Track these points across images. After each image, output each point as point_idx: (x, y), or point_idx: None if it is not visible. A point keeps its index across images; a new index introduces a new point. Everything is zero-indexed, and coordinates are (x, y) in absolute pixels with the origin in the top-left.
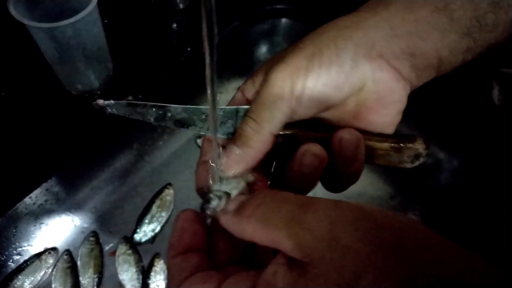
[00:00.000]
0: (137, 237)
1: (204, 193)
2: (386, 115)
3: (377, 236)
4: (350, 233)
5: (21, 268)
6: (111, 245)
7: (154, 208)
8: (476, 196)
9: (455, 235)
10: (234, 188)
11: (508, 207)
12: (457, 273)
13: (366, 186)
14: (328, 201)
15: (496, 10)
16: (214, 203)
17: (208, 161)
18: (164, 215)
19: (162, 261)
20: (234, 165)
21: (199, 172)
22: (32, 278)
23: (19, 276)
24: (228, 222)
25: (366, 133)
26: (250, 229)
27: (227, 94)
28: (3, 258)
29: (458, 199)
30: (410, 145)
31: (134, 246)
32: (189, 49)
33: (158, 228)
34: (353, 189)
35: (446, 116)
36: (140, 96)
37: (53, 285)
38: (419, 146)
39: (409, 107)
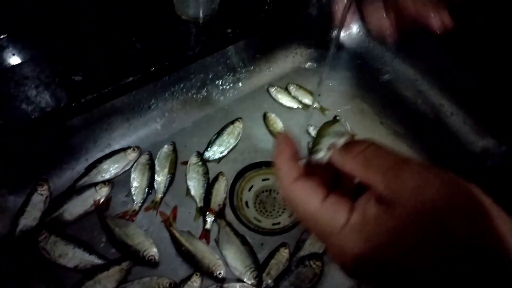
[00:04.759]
0: (207, 154)
1: None
2: None
3: (455, 200)
4: (435, 191)
5: (109, 155)
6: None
7: (224, 135)
8: None
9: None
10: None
11: None
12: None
13: None
14: (422, 164)
15: None
16: (321, 154)
17: None
18: (232, 142)
19: (224, 178)
20: None
21: None
22: (116, 165)
23: (106, 161)
24: (335, 156)
25: None
26: (352, 166)
27: None
28: (95, 145)
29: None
30: None
31: (204, 161)
32: None
33: (225, 152)
34: None
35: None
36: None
37: (132, 176)
38: None
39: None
